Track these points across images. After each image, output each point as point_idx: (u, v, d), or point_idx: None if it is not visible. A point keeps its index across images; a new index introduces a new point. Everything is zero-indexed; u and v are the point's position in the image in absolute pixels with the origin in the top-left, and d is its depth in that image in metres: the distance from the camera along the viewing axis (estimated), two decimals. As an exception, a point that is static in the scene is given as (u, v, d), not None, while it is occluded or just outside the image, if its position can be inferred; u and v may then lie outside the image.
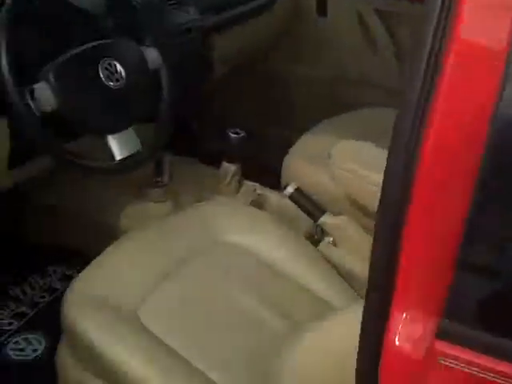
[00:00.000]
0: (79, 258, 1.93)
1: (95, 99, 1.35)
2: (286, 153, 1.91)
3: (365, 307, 0.72)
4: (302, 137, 1.97)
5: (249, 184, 1.86)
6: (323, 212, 1.68)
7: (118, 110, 1.39)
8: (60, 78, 1.27)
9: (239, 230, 1.55)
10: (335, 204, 1.72)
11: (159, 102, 1.50)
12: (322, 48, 2.42)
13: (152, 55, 1.47)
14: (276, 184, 1.95)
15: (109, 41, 1.41)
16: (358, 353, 0.74)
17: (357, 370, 0.75)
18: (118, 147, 1.39)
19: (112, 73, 1.35)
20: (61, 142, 1.33)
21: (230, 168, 1.80)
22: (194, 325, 1.33)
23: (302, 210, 1.70)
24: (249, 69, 2.52)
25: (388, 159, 0.69)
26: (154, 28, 1.56)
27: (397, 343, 0.69)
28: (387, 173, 0.69)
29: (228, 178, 1.80)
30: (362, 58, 2.35)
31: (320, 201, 1.72)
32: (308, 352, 1.11)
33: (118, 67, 1.36)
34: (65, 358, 1.39)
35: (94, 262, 1.44)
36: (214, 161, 1.97)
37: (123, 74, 1.36)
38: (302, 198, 1.69)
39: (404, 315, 0.69)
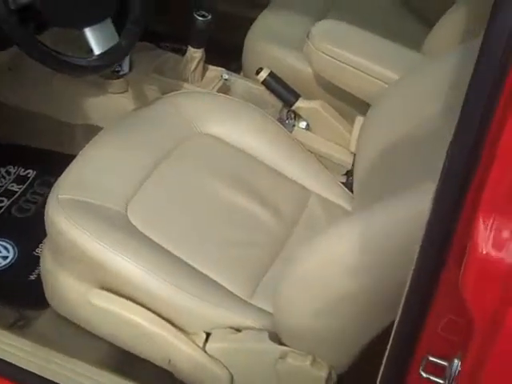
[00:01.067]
0: (40, 158, 1.87)
1: None
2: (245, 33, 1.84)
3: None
4: (261, 15, 1.89)
5: (214, 69, 1.79)
6: (298, 97, 1.65)
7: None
8: None
9: (217, 120, 1.51)
10: (309, 88, 1.69)
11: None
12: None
13: None
14: (238, 68, 1.90)
15: None
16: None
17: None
18: (96, 40, 1.29)
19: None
20: (37, 39, 1.21)
21: (196, 53, 1.70)
22: (185, 223, 1.31)
23: (275, 95, 1.66)
24: None
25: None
26: None
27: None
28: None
29: (194, 65, 1.71)
30: None
31: (293, 85, 1.68)
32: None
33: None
34: (50, 264, 1.35)
35: (73, 164, 1.37)
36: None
37: None
38: (275, 83, 1.64)
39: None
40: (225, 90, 1.75)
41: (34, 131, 1.83)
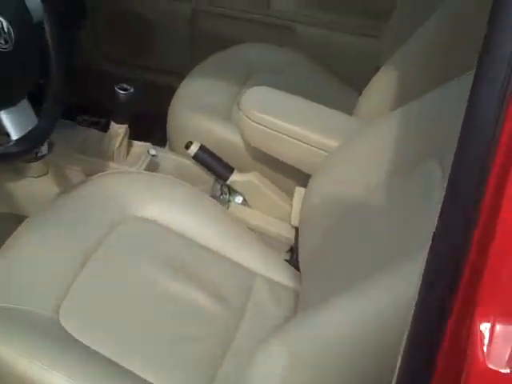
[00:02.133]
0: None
1: None
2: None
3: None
4: (183, 83, 1.82)
5: (140, 145, 1.68)
6: (231, 170, 1.56)
7: (10, 79, 1.15)
8: None
9: (149, 201, 1.39)
10: (242, 160, 1.61)
11: (48, 61, 1.27)
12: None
13: (34, 4, 1.22)
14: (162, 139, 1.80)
15: None
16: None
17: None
18: (13, 124, 1.16)
19: (-1, 34, 1.10)
20: None
21: (120, 129, 1.60)
22: (124, 322, 1.17)
23: (208, 169, 1.57)
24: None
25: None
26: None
27: None
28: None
29: (118, 142, 1.61)
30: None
31: (225, 158, 1.60)
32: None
33: (5, 25, 1.11)
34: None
35: None
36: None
37: (12, 32, 1.12)
38: (207, 157, 1.55)
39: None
40: (153, 167, 1.66)
41: None
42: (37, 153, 1.58)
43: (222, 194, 1.59)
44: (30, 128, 1.18)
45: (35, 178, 1.64)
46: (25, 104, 1.19)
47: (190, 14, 2.23)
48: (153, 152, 1.65)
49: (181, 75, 1.87)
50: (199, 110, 1.70)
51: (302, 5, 2.14)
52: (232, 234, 1.41)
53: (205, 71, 1.87)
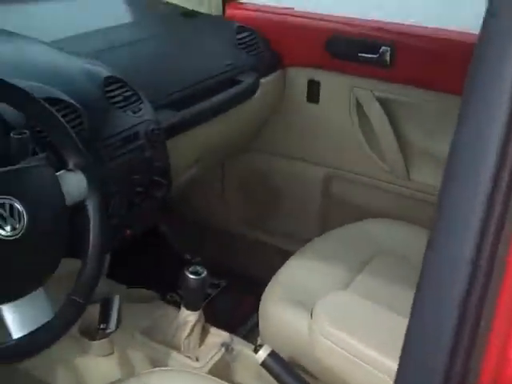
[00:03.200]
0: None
1: None
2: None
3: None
4: (286, 264, 1.57)
5: (217, 334, 1.45)
6: (306, 384, 1.26)
7: (17, 269, 0.97)
8: None
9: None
10: (316, 371, 1.31)
11: (84, 243, 1.09)
12: (313, 139, 2.03)
13: (74, 185, 1.06)
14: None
15: (6, 169, 0.98)
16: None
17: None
18: (16, 320, 0.97)
19: (4, 219, 0.93)
20: None
21: (190, 317, 1.38)
22: None
23: (277, 381, 1.28)
24: (223, 168, 2.19)
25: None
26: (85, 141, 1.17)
27: None
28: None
29: (187, 330, 1.38)
30: (358, 153, 1.95)
31: (299, 366, 1.31)
32: None
33: (17, 208, 0.95)
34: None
35: None
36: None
37: (24, 217, 0.96)
38: (276, 367, 1.26)
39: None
40: (226, 363, 1.40)
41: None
42: (103, 329, 1.43)
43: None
44: (39, 323, 0.99)
45: (100, 356, 1.46)
46: (36, 296, 1.00)
47: (323, 178, 2.04)
48: (226, 347, 1.40)
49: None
50: (293, 299, 1.43)
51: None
52: None
53: (316, 250, 1.62)
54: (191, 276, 1.33)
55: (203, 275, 1.33)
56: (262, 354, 1.26)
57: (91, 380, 1.47)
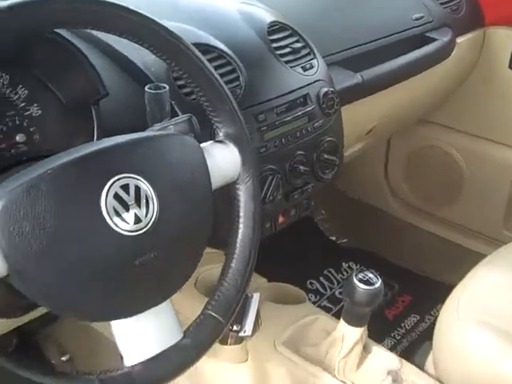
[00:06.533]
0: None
1: (90, 259, 0.65)
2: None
3: None
4: (472, 273, 1.25)
5: (382, 355, 1.16)
6: None
7: (139, 276, 0.70)
8: (18, 219, 0.61)
9: None
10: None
11: (231, 234, 0.82)
12: (508, 115, 1.72)
13: (224, 161, 0.79)
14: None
15: (127, 138, 0.71)
16: None
17: None
18: (129, 341, 0.73)
19: (127, 206, 0.68)
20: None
21: (350, 333, 1.10)
22: None
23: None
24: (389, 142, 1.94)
25: None
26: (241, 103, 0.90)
27: None
28: None
29: (345, 349, 1.10)
30: None
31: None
32: None
33: (145, 192, 0.69)
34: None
35: None
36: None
37: (154, 205, 0.69)
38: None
39: None
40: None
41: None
42: (237, 331, 1.18)
43: None
44: (165, 346, 0.74)
45: (232, 363, 1.22)
46: (165, 309, 0.75)
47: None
48: (394, 375, 1.11)
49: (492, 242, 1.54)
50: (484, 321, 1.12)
51: None
52: None
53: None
54: (361, 285, 1.03)
55: (377, 286, 1.04)
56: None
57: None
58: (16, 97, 0.84)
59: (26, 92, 0.85)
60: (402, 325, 1.77)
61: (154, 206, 0.69)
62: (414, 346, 1.65)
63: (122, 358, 0.73)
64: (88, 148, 0.68)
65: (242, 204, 0.82)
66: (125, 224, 0.66)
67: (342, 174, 1.92)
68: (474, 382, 1.09)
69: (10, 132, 0.83)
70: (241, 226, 0.81)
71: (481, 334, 1.11)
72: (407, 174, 1.98)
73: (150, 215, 0.68)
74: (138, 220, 0.67)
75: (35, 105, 0.86)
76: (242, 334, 1.19)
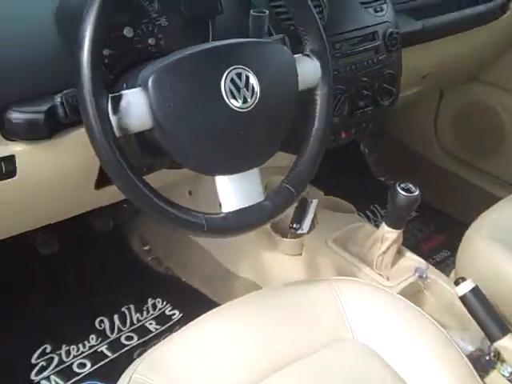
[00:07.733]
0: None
1: (210, 125, 0.91)
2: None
3: None
4: (495, 205, 1.44)
5: (412, 258, 1.39)
6: (506, 331, 1.17)
7: (242, 143, 0.95)
8: (163, 88, 0.87)
9: (380, 328, 1.09)
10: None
11: (306, 132, 1.05)
12: None
13: (309, 70, 1.02)
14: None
15: (243, 40, 0.96)
16: None
17: None
18: (228, 193, 0.97)
19: (239, 89, 0.91)
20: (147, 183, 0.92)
21: (389, 234, 1.33)
22: None
23: (475, 319, 1.20)
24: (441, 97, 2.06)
25: None
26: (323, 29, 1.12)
27: None
28: None
29: (384, 247, 1.34)
30: None
31: (502, 310, 1.21)
32: None
33: (252, 81, 0.93)
34: None
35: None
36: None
37: (257, 91, 0.93)
38: (477, 305, 1.18)
39: None
40: (418, 290, 1.34)
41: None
42: (295, 229, 1.42)
43: (488, 353, 1.21)
44: (247, 204, 0.98)
45: (288, 255, 1.46)
46: (252, 175, 0.99)
47: None
48: (421, 273, 1.34)
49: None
50: (505, 241, 1.31)
51: None
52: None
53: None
54: (402, 192, 1.26)
55: (415, 194, 1.26)
56: (465, 287, 1.18)
57: (275, 275, 1.48)
58: (151, 9, 1.08)
59: (159, 5, 1.09)
60: (434, 257, 1.98)
61: (257, 92, 0.93)
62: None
63: (220, 205, 0.98)
64: (212, 44, 0.94)
65: (317, 106, 1.05)
66: (236, 102, 0.91)
67: (395, 121, 2.11)
68: (495, 285, 1.26)
69: (144, 36, 1.07)
70: (315, 122, 1.04)
71: (501, 249, 1.30)
72: (454, 127, 2.12)
73: (253, 98, 0.93)
74: (245, 101, 0.92)
75: (164, 17, 1.09)
76: (299, 231, 1.43)
